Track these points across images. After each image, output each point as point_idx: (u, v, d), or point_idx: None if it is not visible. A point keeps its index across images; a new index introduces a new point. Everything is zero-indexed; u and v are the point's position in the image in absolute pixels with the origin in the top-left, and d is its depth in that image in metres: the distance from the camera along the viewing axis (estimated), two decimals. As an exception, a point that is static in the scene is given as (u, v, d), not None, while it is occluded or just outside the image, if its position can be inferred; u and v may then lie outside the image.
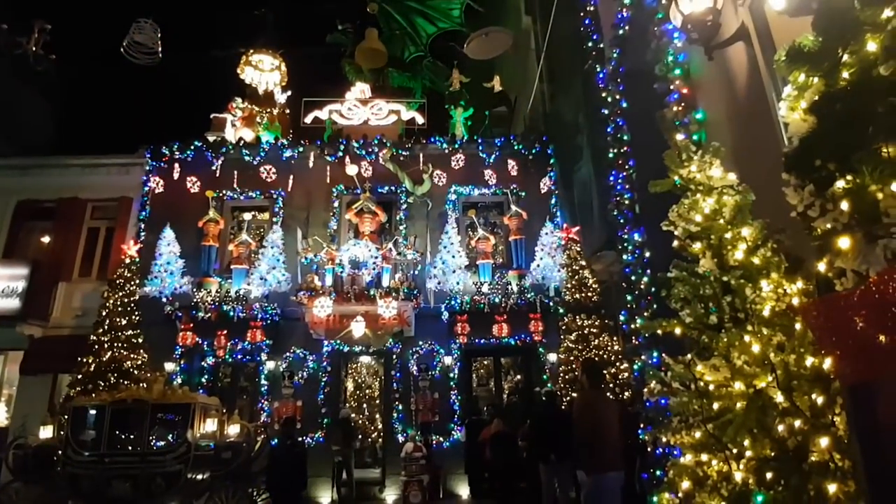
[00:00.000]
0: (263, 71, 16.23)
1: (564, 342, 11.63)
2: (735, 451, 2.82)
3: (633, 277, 4.25)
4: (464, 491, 11.34)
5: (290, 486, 7.61)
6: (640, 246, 4.02)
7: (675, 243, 3.51)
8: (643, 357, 3.95)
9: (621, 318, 4.26)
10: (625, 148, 4.49)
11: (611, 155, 4.72)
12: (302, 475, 7.84)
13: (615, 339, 11.57)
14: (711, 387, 3.00)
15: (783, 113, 2.50)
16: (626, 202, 4.29)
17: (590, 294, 11.77)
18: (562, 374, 11.47)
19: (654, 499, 3.58)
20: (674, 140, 3.68)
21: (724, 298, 3.10)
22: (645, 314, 3.83)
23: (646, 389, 3.80)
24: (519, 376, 14.03)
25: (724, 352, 2.96)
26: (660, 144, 4.01)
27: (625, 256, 4.38)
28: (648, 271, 3.91)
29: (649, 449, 3.84)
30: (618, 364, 11.13)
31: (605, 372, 10.98)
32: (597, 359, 10.98)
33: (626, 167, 4.41)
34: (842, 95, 2.18)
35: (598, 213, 12.48)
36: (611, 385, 10.89)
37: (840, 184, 2.14)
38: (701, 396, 3.00)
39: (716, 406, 2.95)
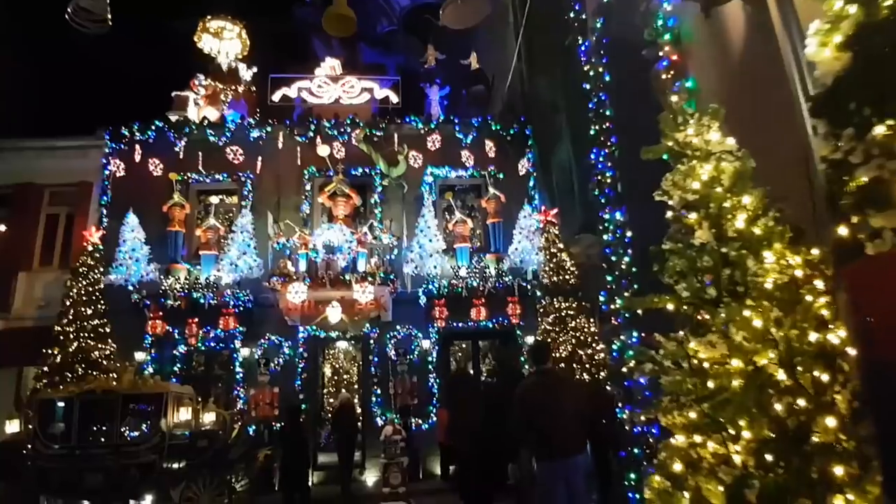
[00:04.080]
0: (223, 39, 15.86)
1: (542, 325, 11.94)
2: (732, 432, 2.72)
3: (613, 258, 4.40)
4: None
5: (299, 470, 8.33)
6: (621, 226, 4.16)
7: (669, 214, 3.39)
8: (622, 337, 4.14)
9: (601, 298, 4.40)
10: (607, 124, 4.57)
11: (592, 132, 4.81)
12: (308, 459, 8.51)
13: (592, 321, 11.93)
14: (706, 364, 2.90)
15: (811, 51, 2.32)
16: (608, 181, 4.40)
17: (567, 277, 12.07)
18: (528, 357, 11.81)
19: (632, 475, 3.82)
20: (668, 102, 3.50)
21: (724, 271, 2.97)
22: (625, 294, 4.00)
23: (624, 368, 4.00)
24: (493, 361, 14.32)
25: (721, 327, 2.86)
26: (644, 120, 4.01)
27: (605, 237, 4.52)
28: (630, 251, 4.06)
29: (626, 428, 4.04)
30: (594, 345, 11.53)
31: (581, 353, 11.44)
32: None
33: (609, 144, 4.50)
34: (883, 27, 1.96)
35: (577, 196, 12.76)
36: (587, 366, 11.32)
37: (880, 129, 1.97)
38: (695, 375, 2.91)
39: (711, 385, 2.85)
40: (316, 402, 12.68)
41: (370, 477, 11.91)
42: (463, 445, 6.25)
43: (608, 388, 11.00)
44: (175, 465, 8.52)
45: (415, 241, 12.82)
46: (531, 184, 14.26)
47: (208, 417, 9.37)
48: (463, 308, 12.90)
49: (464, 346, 14.29)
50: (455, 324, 13.07)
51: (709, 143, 3.29)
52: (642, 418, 3.62)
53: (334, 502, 9.68)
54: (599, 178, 4.64)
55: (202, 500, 8.19)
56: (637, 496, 3.75)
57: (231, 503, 8.39)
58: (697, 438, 2.89)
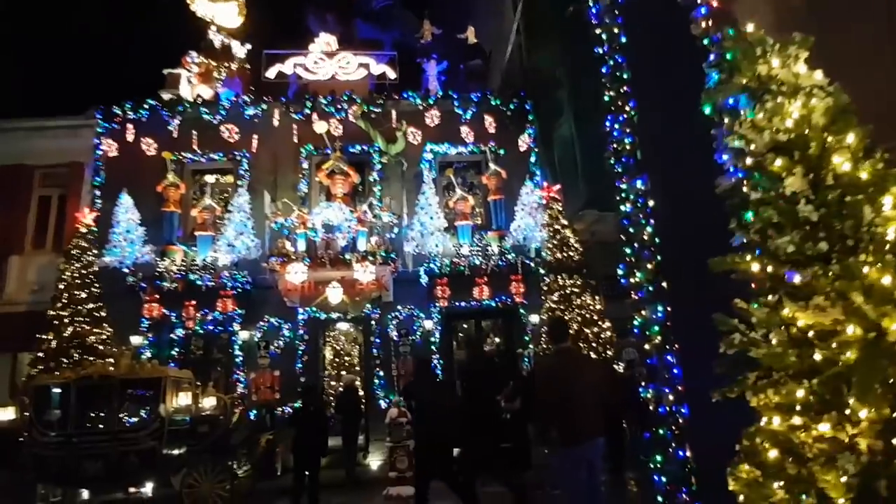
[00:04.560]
0: (217, 1, 15.21)
1: (546, 303, 11.66)
2: (847, 412, 2.32)
3: (631, 229, 3.99)
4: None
5: (314, 452, 7.73)
6: (642, 194, 3.75)
7: (749, 160, 2.88)
8: (644, 312, 3.76)
9: (619, 271, 4.00)
10: (624, 88, 4.13)
11: (606, 98, 4.37)
12: (325, 442, 7.92)
13: (597, 298, 11.65)
14: (811, 333, 2.44)
15: None
16: (627, 147, 3.96)
17: (571, 254, 11.77)
18: (544, 336, 11.53)
19: (658, 457, 3.50)
20: (742, 34, 2.99)
21: (833, 222, 2.48)
22: (648, 266, 3.61)
23: (647, 345, 3.67)
24: (498, 338, 14.04)
25: (828, 288, 2.39)
26: (664, 82, 3.67)
27: (623, 208, 4.10)
28: (652, 221, 3.65)
29: (651, 408, 3.70)
30: (600, 323, 11.26)
31: (587, 331, 11.17)
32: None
33: (627, 109, 4.08)
34: None
35: (581, 171, 12.39)
36: (593, 344, 11.05)
37: None
38: (794, 346, 2.48)
39: (818, 357, 2.41)
40: (317, 385, 12.39)
41: (374, 460, 11.70)
42: (427, 437, 6.01)
43: (616, 366, 10.81)
44: (175, 452, 8.25)
45: (415, 219, 12.43)
46: (532, 159, 13.87)
47: (208, 402, 9.09)
48: (465, 287, 12.59)
49: (465, 325, 13.98)
50: (457, 303, 12.77)
51: (798, 77, 2.82)
52: (671, 398, 3.27)
53: (339, 487, 9.40)
54: (616, 146, 4.18)
55: (203, 486, 7.90)
56: (664, 479, 3.43)
57: (233, 489, 8.09)
58: (796, 420, 2.46)
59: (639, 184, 3.94)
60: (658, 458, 3.57)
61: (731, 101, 3.11)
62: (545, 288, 11.80)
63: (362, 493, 9.21)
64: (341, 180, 12.51)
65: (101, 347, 10.49)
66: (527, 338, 12.83)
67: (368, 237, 11.81)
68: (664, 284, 3.54)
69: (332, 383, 12.94)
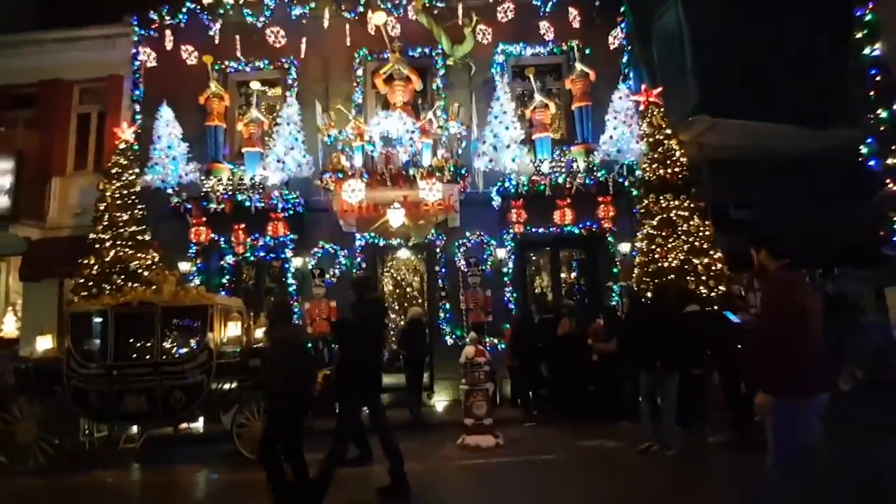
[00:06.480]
0: None
1: (644, 228, 10.23)
2: None
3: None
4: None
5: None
6: None
7: None
8: None
9: (862, 150, 2.57)
10: None
11: None
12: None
13: (707, 223, 10.08)
14: None
15: None
16: None
17: (676, 170, 10.17)
18: (639, 267, 10.15)
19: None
20: None
21: None
22: None
23: None
24: (575, 273, 12.68)
25: None
26: None
27: (869, 49, 2.59)
28: None
29: None
30: (711, 253, 9.75)
31: (695, 261, 9.70)
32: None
33: None
34: None
35: (690, 69, 10.53)
36: (703, 278, 9.60)
37: None
38: None
39: None
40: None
41: (439, 402, 10.95)
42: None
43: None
44: (225, 387, 7.63)
45: (487, 129, 10.98)
46: (625, 59, 12.06)
47: (260, 333, 8.36)
48: (544, 210, 11.28)
49: (543, 255, 12.64)
50: (534, 229, 11.48)
51: None
52: None
53: (405, 429, 8.58)
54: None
55: (256, 425, 7.24)
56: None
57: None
58: None
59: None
60: None
61: None
62: (642, 211, 10.33)
63: (431, 437, 8.40)
64: (401, 87, 11.19)
65: (145, 273, 9.97)
66: (615, 270, 11.46)
67: (434, 150, 10.54)
68: None
69: (392, 316, 12.10)
